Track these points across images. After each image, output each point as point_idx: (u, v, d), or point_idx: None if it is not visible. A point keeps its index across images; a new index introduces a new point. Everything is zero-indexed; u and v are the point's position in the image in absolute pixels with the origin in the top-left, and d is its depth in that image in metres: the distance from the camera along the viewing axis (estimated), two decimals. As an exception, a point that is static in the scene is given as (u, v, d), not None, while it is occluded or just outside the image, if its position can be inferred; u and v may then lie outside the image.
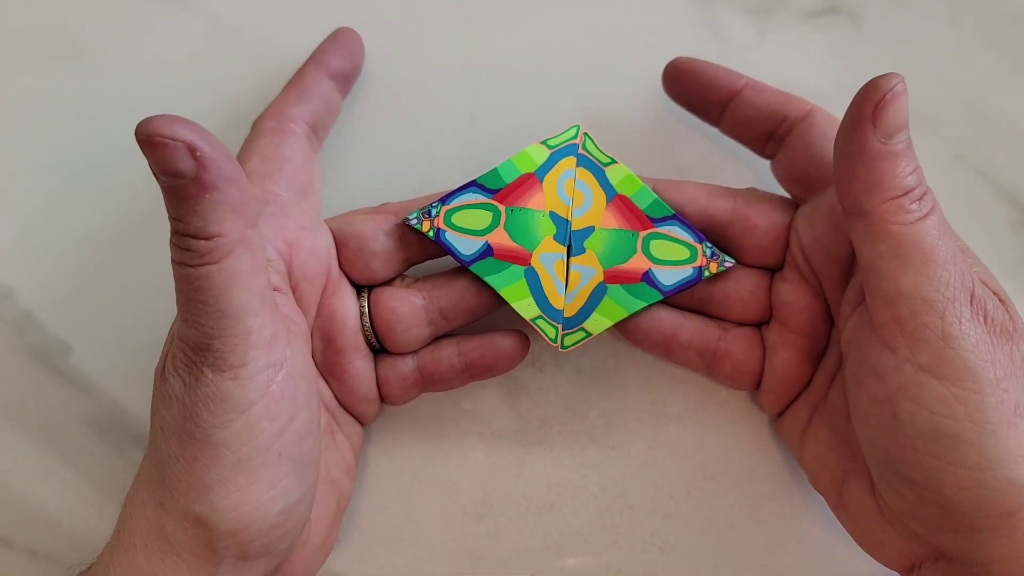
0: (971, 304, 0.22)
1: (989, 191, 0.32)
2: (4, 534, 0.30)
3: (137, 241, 0.32)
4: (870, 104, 0.22)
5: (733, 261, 0.28)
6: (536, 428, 0.31)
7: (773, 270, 0.29)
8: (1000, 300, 0.23)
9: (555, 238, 0.27)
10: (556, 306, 0.27)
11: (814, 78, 0.33)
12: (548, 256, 0.27)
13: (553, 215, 0.27)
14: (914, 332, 0.22)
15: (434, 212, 0.27)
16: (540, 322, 0.27)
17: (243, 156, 0.27)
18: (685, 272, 0.27)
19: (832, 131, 0.26)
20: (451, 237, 0.27)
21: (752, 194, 0.29)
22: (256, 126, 0.28)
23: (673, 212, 0.28)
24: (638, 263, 0.27)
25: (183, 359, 0.22)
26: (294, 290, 0.26)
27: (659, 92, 0.30)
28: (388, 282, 0.28)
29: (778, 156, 0.28)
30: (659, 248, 0.28)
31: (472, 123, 0.32)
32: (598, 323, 0.27)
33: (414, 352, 0.28)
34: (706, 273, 0.28)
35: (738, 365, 0.28)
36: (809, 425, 0.28)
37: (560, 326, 0.27)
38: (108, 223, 0.32)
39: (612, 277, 0.28)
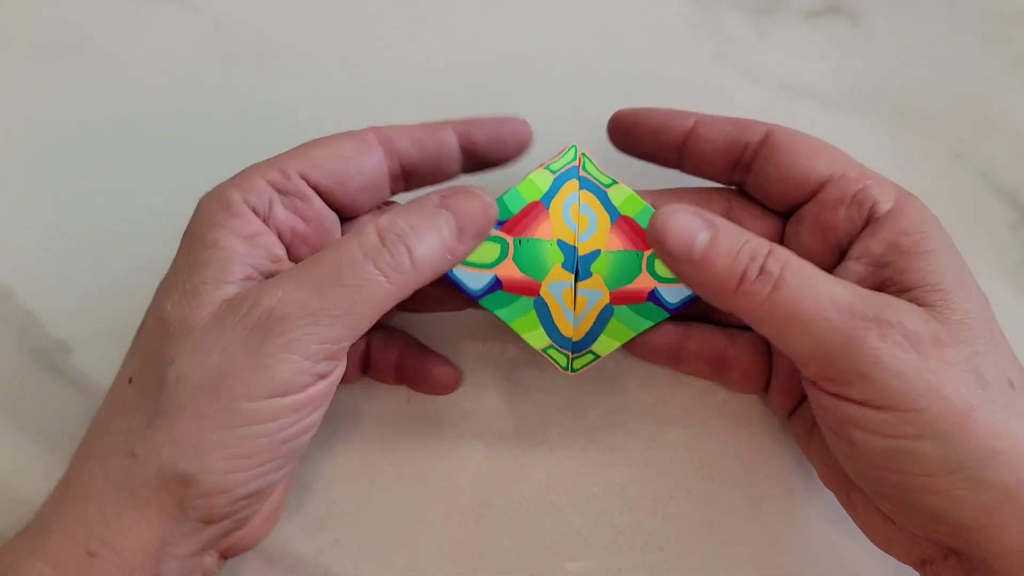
0: (879, 332, 0.22)
1: (989, 191, 0.32)
2: (4, 534, 0.30)
3: (137, 241, 0.32)
4: (654, 244, 0.24)
5: None
6: (536, 429, 0.31)
7: None
8: (928, 304, 0.23)
9: (563, 266, 0.27)
10: (565, 334, 0.28)
11: (814, 78, 0.33)
12: (557, 285, 0.27)
13: (561, 243, 0.27)
14: (835, 380, 0.23)
15: None
16: (551, 351, 0.28)
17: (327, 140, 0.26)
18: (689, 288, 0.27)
19: (795, 144, 0.26)
20: (460, 272, 0.26)
21: (745, 197, 0.28)
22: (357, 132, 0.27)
23: None
24: (644, 283, 0.28)
25: (289, 327, 0.22)
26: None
27: (658, 92, 0.30)
28: None
29: (749, 182, 0.28)
30: (664, 266, 0.27)
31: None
32: (606, 345, 0.28)
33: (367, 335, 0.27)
34: None
35: (746, 371, 0.28)
36: (815, 427, 0.28)
37: (570, 353, 0.28)
38: (108, 223, 0.32)
39: (618, 298, 0.28)
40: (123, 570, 0.22)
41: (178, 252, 0.24)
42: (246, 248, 0.24)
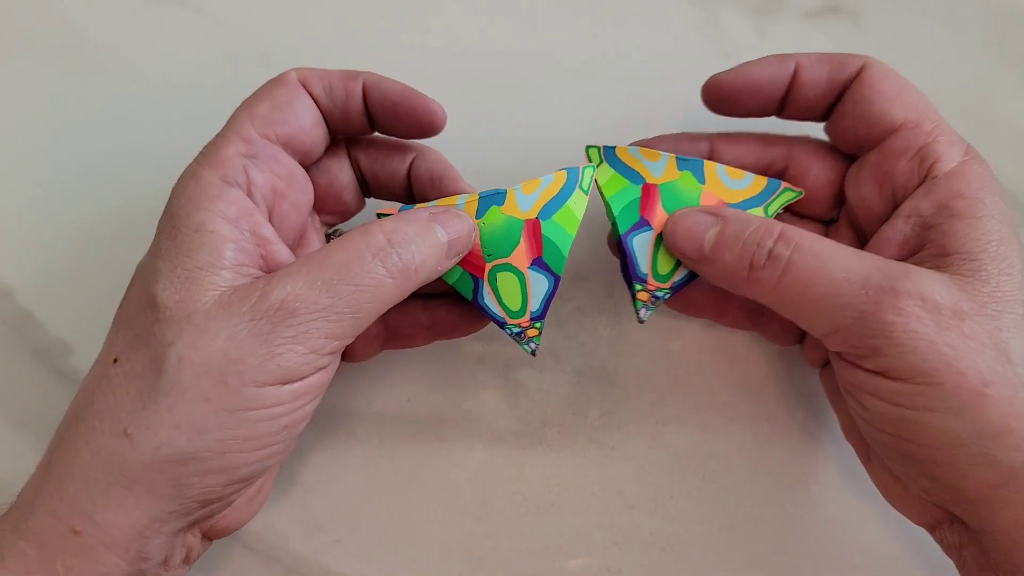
0: (894, 304, 0.22)
1: (989, 191, 0.32)
2: (4, 534, 0.30)
3: (137, 240, 0.32)
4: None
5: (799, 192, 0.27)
6: (536, 429, 0.31)
7: (826, 224, 0.29)
8: (959, 272, 0.23)
9: (503, 210, 0.26)
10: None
11: (814, 78, 0.33)
12: (509, 220, 0.26)
13: (479, 209, 0.26)
14: (852, 352, 0.23)
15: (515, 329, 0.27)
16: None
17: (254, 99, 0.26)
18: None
19: (880, 83, 0.25)
20: (494, 307, 0.27)
21: (807, 144, 0.28)
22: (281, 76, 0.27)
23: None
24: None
25: (311, 332, 0.22)
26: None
27: (658, 90, 0.30)
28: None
29: (832, 117, 0.27)
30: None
31: (473, 124, 0.32)
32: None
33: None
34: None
35: (783, 323, 0.28)
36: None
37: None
38: (108, 222, 0.32)
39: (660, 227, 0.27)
40: (108, 547, 0.22)
41: (159, 237, 0.24)
42: (233, 231, 0.24)
